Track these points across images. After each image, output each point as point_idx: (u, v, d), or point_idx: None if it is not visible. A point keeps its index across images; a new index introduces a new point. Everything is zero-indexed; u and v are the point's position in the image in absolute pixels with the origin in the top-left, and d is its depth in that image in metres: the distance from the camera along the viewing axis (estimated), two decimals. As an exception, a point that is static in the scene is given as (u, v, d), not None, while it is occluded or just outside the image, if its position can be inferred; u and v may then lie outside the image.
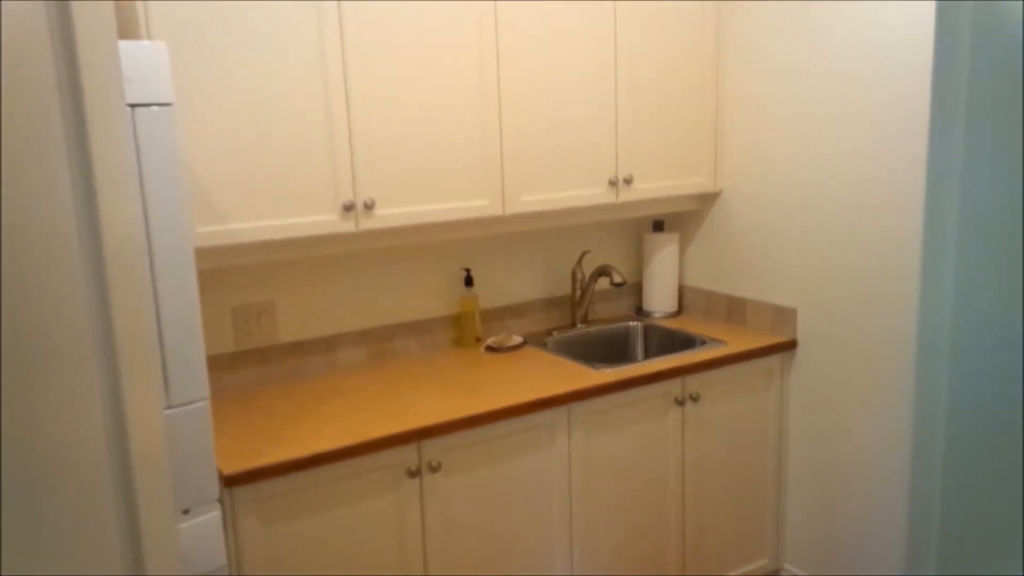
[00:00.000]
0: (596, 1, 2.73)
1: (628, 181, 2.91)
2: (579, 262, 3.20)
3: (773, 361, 2.96)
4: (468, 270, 2.99)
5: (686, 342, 3.02)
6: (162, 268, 1.66)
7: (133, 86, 1.56)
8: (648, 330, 3.21)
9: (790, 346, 2.94)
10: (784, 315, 2.97)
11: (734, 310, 3.15)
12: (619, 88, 2.83)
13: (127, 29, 2.08)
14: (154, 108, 1.61)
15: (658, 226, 3.34)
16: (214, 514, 1.83)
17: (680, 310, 3.33)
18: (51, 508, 0.81)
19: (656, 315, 3.28)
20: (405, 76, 2.43)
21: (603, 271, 3.11)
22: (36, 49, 0.79)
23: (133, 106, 1.59)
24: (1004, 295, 0.74)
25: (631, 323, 3.24)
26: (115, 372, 0.87)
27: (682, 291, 3.35)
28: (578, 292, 3.20)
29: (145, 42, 1.55)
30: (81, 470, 0.84)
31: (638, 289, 3.40)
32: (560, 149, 2.75)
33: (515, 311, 3.14)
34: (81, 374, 0.84)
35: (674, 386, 2.74)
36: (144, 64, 1.59)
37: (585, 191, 2.84)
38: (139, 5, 2.00)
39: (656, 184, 2.98)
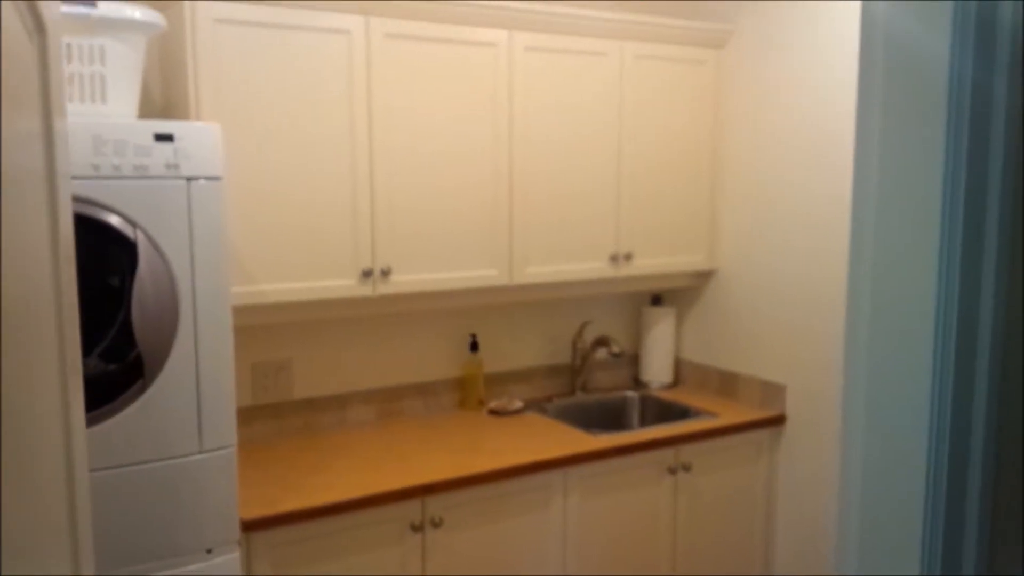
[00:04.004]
0: (603, 87, 2.95)
1: (628, 257, 3.09)
2: (580, 332, 3.36)
3: (762, 435, 3.10)
4: (474, 335, 3.14)
5: (680, 413, 3.16)
6: (204, 323, 1.82)
7: (190, 162, 1.75)
8: (644, 400, 3.36)
9: (779, 421, 3.08)
10: (773, 391, 3.11)
11: (727, 384, 3.30)
12: (621, 170, 3.03)
13: (179, 109, 2.29)
14: (205, 181, 1.80)
15: (656, 300, 3.51)
16: (234, 555, 1.95)
17: (676, 382, 3.48)
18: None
19: (652, 386, 3.43)
20: (424, 157, 2.63)
21: (602, 341, 3.26)
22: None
23: (188, 179, 1.77)
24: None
25: (628, 393, 3.39)
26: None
27: (678, 363, 3.50)
28: (578, 361, 3.35)
29: (200, 123, 1.75)
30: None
31: (636, 360, 3.55)
32: (565, 225, 2.94)
33: (518, 376, 3.29)
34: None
35: (667, 455, 2.87)
36: (200, 142, 1.78)
37: (588, 265, 3.02)
38: (191, 87, 2.20)
39: (655, 261, 3.16)
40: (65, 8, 1.85)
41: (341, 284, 2.53)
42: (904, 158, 0.94)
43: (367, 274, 2.56)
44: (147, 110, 2.33)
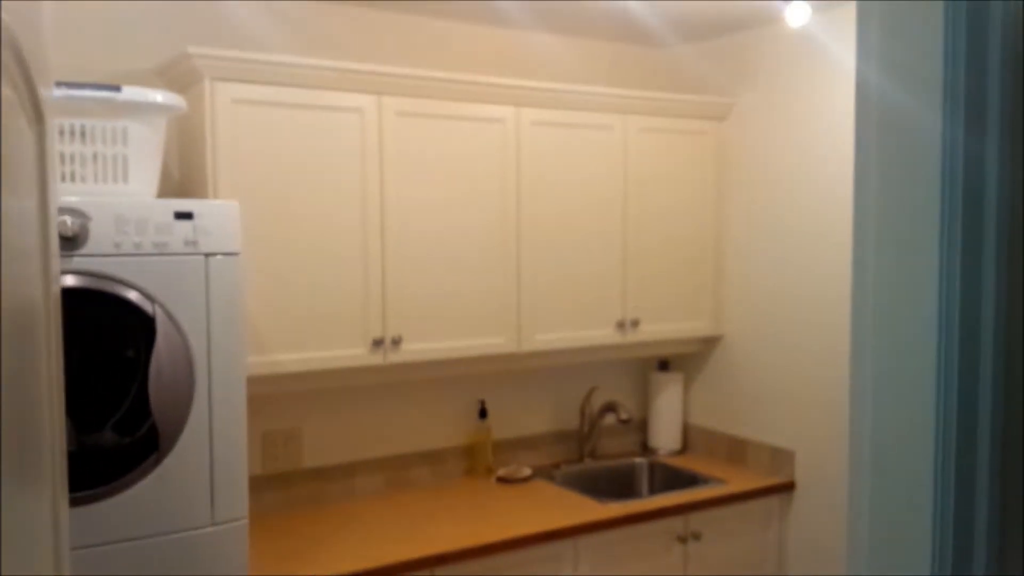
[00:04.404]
0: (607, 159, 3.02)
1: (635, 323, 3.12)
2: (587, 398, 3.37)
3: (772, 502, 3.08)
4: (483, 402, 3.16)
5: (689, 480, 3.15)
6: (218, 395, 1.85)
7: (208, 238, 1.80)
8: (653, 467, 3.35)
9: (788, 488, 3.07)
10: (783, 457, 3.11)
11: (735, 450, 3.30)
12: (627, 238, 3.09)
13: (196, 185, 2.36)
14: (223, 257, 1.85)
15: (663, 365, 3.53)
16: (244, 629, 1.95)
17: (684, 448, 3.47)
18: None
19: (661, 452, 3.43)
20: (434, 229, 2.69)
21: (610, 407, 3.28)
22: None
23: (207, 255, 1.83)
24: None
25: (637, 459, 3.38)
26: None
27: (686, 429, 3.50)
28: (586, 427, 3.36)
29: (219, 201, 1.81)
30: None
31: (644, 425, 3.55)
32: (572, 293, 2.99)
33: (526, 443, 3.29)
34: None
35: (677, 523, 2.85)
36: (218, 219, 1.84)
37: (595, 332, 3.05)
38: (208, 165, 2.28)
39: (661, 327, 3.20)
40: (91, 92, 1.93)
41: (352, 353, 2.57)
42: (900, 226, 0.98)
43: (378, 343, 2.60)
44: (165, 186, 2.40)
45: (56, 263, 1.00)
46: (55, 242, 1.00)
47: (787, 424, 3.11)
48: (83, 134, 1.91)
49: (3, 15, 0.64)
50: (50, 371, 0.94)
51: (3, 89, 0.67)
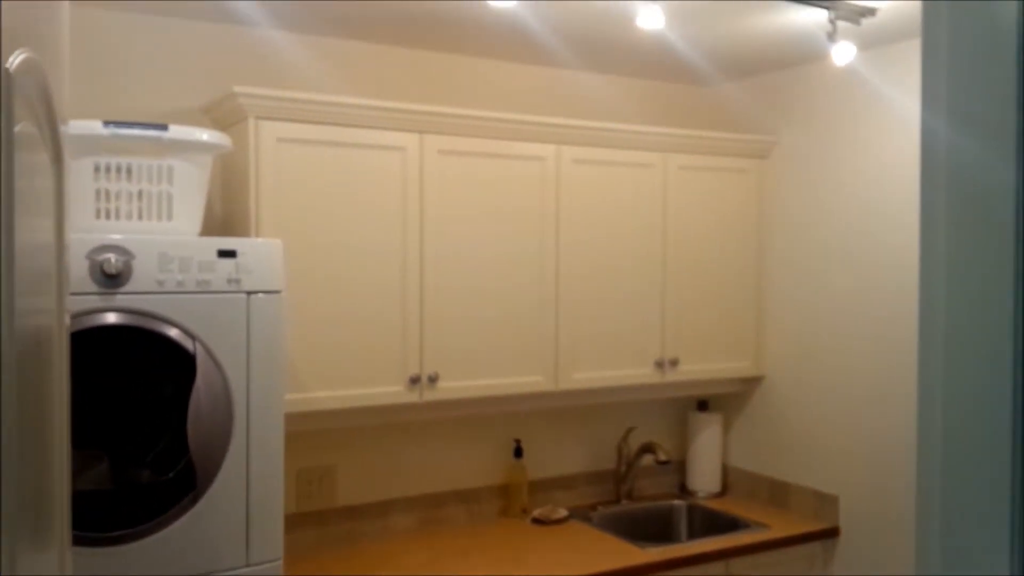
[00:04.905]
0: (647, 196, 3.00)
1: (674, 363, 3.07)
2: (625, 438, 3.31)
3: (815, 548, 2.99)
4: (518, 441, 3.12)
5: (730, 524, 3.07)
6: (256, 434, 1.84)
7: (251, 276, 1.80)
8: (692, 510, 3.28)
9: (832, 533, 2.98)
10: (826, 501, 3.02)
11: (777, 493, 3.21)
12: (667, 277, 3.05)
13: (239, 222, 2.37)
14: (265, 295, 1.85)
15: (702, 405, 3.47)
16: (276, 674, 1.92)
17: (724, 490, 3.40)
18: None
19: (700, 494, 3.35)
20: (472, 266, 2.67)
21: (648, 448, 3.22)
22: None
23: (249, 293, 1.83)
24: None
25: (675, 502, 3.31)
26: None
27: (726, 471, 3.42)
28: (623, 467, 3.30)
29: (262, 239, 1.81)
30: None
31: (682, 467, 3.48)
32: (611, 331, 2.95)
33: (561, 483, 3.24)
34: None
35: (717, 568, 2.78)
36: (261, 258, 1.84)
37: (633, 371, 3.00)
38: (252, 202, 2.29)
39: (701, 367, 3.14)
40: (139, 131, 1.95)
41: (389, 391, 2.55)
42: (971, 284, 0.94)
43: (415, 381, 2.58)
44: (208, 222, 2.41)
45: (67, 294, 1.03)
46: (67, 276, 1.01)
47: (831, 467, 3.03)
48: (129, 171, 1.93)
49: (32, 53, 0.65)
50: (60, 405, 0.95)
51: (27, 127, 0.69)
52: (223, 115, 2.43)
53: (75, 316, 1.75)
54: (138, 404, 1.86)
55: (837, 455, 3.01)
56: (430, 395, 2.61)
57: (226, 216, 2.54)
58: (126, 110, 2.26)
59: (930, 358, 0.96)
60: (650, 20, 2.28)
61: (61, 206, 0.94)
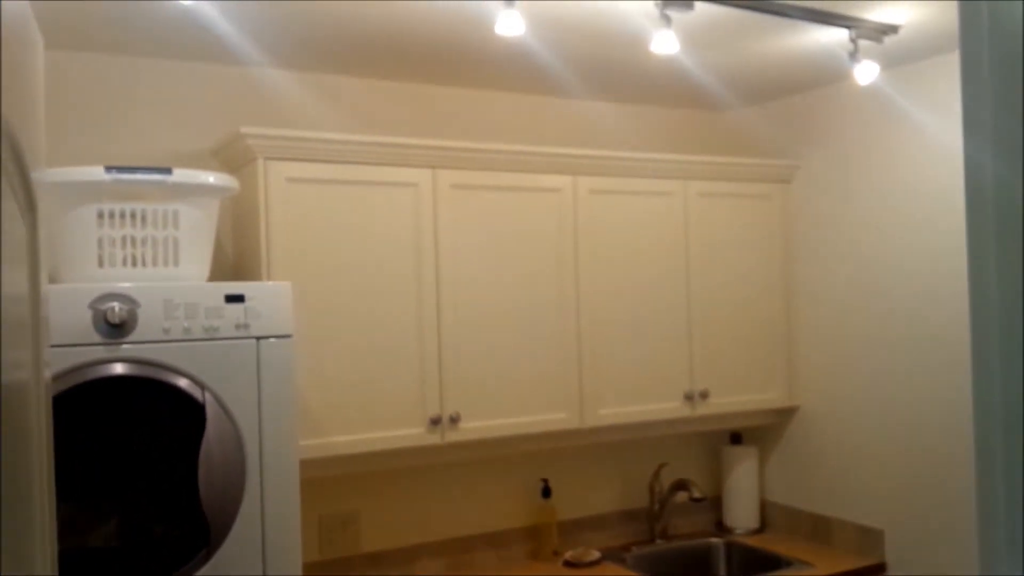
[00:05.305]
0: (668, 225, 2.92)
1: (704, 395, 2.96)
2: (656, 474, 3.20)
3: (862, 586, 2.85)
4: (546, 480, 3.02)
5: (771, 562, 2.94)
6: (271, 484, 1.77)
7: (260, 321, 1.74)
8: (730, 547, 3.14)
9: (879, 570, 2.84)
10: (871, 537, 2.88)
11: (819, 529, 3.08)
12: (692, 306, 2.96)
13: (250, 264, 2.32)
14: (275, 340, 1.79)
15: (736, 438, 3.35)
16: None
17: (762, 526, 3.26)
18: None
19: (738, 531, 3.22)
20: (490, 301, 2.60)
21: (681, 485, 3.10)
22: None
23: (258, 338, 1.77)
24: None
25: (712, 540, 3.18)
26: None
27: (764, 506, 3.29)
28: (656, 505, 3.18)
29: (271, 283, 1.75)
30: None
31: (717, 503, 3.36)
32: (636, 365, 2.85)
33: (592, 523, 3.13)
34: None
35: (759, 611, 2.65)
36: (271, 302, 1.78)
37: (661, 405, 2.90)
38: (262, 244, 2.24)
39: (732, 399, 3.03)
40: (142, 175, 1.92)
41: (409, 433, 2.47)
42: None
43: (435, 422, 2.50)
44: (218, 266, 2.38)
45: (46, 349, 1.00)
46: (46, 328, 0.99)
47: (874, 500, 2.89)
48: (133, 217, 1.89)
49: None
50: (41, 464, 0.90)
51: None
52: (232, 157, 2.40)
53: (80, 367, 1.70)
54: (147, 457, 1.80)
55: (880, 486, 2.87)
56: (452, 436, 2.53)
57: (238, 258, 2.50)
58: (134, 155, 2.24)
59: (985, 382, 0.87)
60: (664, 45, 2.22)
61: (35, 255, 0.90)
